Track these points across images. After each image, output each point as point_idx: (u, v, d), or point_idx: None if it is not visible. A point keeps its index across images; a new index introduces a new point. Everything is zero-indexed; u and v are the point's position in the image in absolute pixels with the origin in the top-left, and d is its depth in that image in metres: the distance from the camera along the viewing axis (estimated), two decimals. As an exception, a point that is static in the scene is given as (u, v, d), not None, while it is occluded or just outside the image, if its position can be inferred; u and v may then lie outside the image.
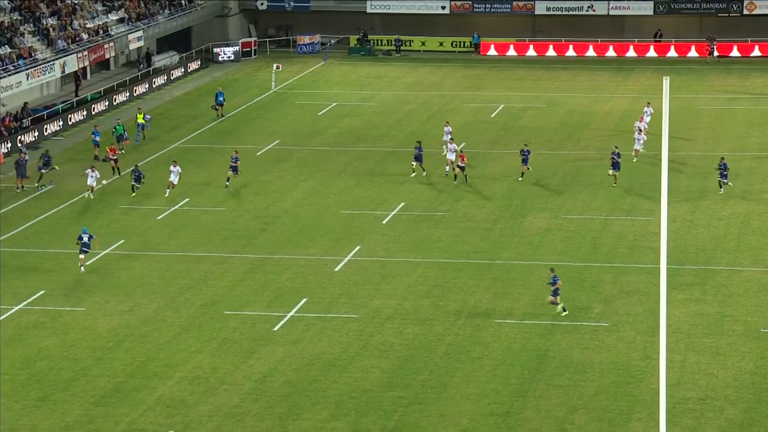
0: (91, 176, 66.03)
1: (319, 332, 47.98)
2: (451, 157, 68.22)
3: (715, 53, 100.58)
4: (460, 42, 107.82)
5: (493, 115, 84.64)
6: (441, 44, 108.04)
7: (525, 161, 67.92)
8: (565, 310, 49.08)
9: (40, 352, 47.62)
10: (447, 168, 68.75)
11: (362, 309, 51.08)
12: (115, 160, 70.45)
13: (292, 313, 50.78)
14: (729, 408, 41.99)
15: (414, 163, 69.00)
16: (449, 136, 71.44)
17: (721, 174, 63.74)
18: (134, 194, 65.11)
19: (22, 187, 68.26)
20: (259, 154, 76.22)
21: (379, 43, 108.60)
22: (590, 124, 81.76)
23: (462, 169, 67.12)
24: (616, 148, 67.05)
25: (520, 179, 67.33)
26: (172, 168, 66.29)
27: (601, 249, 57.47)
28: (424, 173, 68.63)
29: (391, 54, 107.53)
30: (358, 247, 58.40)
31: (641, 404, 42.22)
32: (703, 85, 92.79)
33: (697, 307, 50.40)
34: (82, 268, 55.52)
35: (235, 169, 67.93)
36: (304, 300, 51.87)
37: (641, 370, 44.88)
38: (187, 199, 66.26)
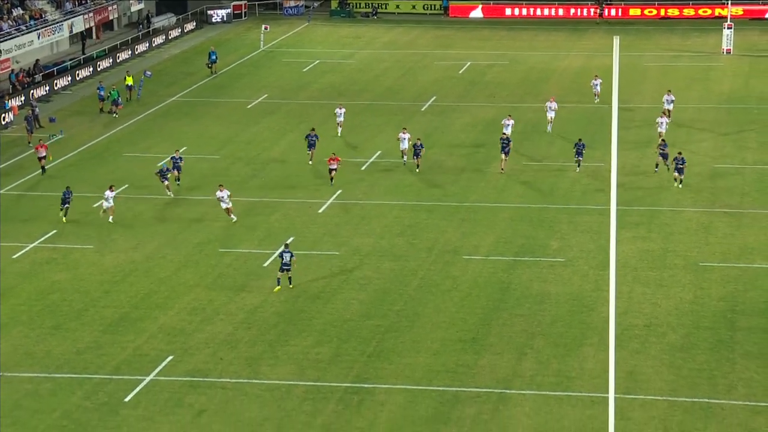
0: (108, 198, 54.29)
1: (304, 268, 48.07)
2: (404, 147, 61.12)
3: (600, 14, 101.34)
4: (431, 5, 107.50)
5: (461, 72, 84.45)
6: (414, 7, 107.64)
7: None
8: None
9: (53, 285, 47.63)
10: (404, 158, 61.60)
11: (343, 247, 51.17)
12: (43, 157, 61.31)
13: (279, 251, 50.81)
14: (670, 333, 42.35)
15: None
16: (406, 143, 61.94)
17: (676, 168, 57.13)
18: (63, 217, 54.40)
19: (30, 142, 67.79)
20: (249, 107, 75.95)
21: (358, 6, 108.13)
22: (549, 79, 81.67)
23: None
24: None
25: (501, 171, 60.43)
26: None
27: (557, 192, 57.63)
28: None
29: (369, 16, 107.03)
30: (339, 191, 58.41)
31: (593, 330, 42.53)
32: (650, 44, 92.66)
33: (643, 244, 50.68)
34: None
35: (179, 168, 58.95)
36: (291, 239, 51.94)
37: (593, 300, 45.18)
38: (184, 148, 66.02)
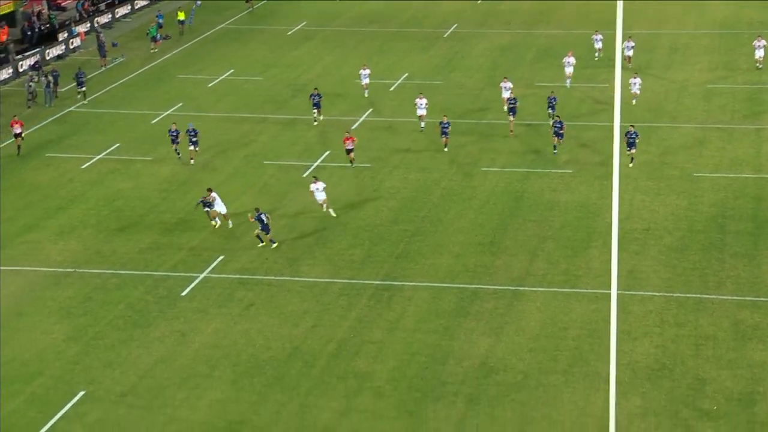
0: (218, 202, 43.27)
1: (339, 178, 47.85)
2: (422, 112, 53.89)
3: None
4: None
5: (479, 2, 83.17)
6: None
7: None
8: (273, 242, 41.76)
9: (118, 192, 47.64)
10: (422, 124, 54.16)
11: (374, 160, 50.87)
12: (19, 135, 52.15)
13: (317, 162, 50.61)
14: (667, 236, 42.05)
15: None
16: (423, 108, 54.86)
17: (628, 143, 48.17)
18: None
19: (104, 65, 67.48)
20: (289, 33, 75.19)
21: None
22: (561, 8, 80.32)
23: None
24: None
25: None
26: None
27: (566, 109, 56.94)
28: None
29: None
30: (370, 110, 57.92)
31: (598, 234, 42.27)
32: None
33: (643, 156, 50.13)
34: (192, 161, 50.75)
35: (195, 143, 50.28)
36: (327, 152, 51.66)
37: (598, 207, 44.84)
38: (231, 70, 65.56)
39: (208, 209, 42.81)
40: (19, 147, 52.03)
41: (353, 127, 55.17)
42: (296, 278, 39.01)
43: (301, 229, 43.32)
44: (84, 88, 59.76)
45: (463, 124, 55.32)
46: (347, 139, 49.00)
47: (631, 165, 48.38)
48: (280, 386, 31.74)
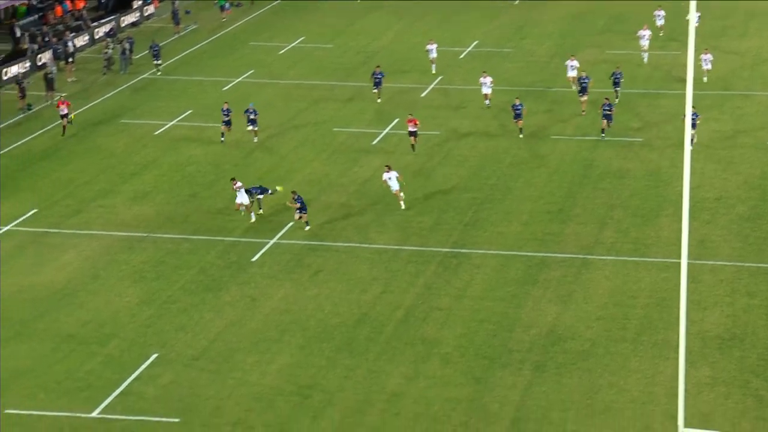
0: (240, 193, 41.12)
1: (408, 146, 47.69)
2: (487, 91, 52.59)
3: None
4: None
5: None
6: None
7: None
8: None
9: (190, 158, 47.99)
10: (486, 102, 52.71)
11: (443, 127, 50.65)
12: (65, 116, 50.30)
13: (387, 130, 50.52)
14: (739, 205, 41.34)
15: None
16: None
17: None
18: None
19: (178, 33, 67.89)
20: (359, 1, 74.93)
21: None
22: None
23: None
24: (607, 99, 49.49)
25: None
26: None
27: (639, 78, 56.17)
28: None
29: None
30: (440, 77, 57.63)
31: (669, 203, 41.69)
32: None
33: (715, 125, 49.29)
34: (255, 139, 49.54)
35: (227, 123, 48.94)
36: (396, 120, 51.52)
37: (669, 175, 44.20)
38: (302, 38, 65.60)
39: (260, 197, 40.96)
40: (64, 128, 49.97)
41: (422, 95, 54.94)
42: (365, 245, 39.03)
43: (370, 196, 43.30)
44: (159, 61, 59.79)
45: (534, 91, 54.82)
46: (410, 121, 46.83)
47: (692, 144, 47.02)
48: (349, 351, 31.86)
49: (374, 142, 49.05)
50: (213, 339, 32.73)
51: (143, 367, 31.00)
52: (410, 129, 46.86)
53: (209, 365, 31.17)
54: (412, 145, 46.85)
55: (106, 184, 45.33)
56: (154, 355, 31.66)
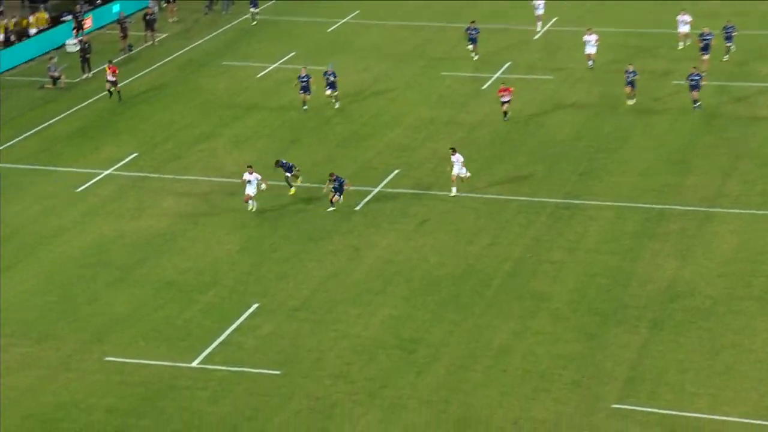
0: (248, 180, 37.73)
1: (519, 91, 47.06)
2: (591, 50, 49.26)
3: None
4: None
5: None
6: None
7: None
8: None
9: (291, 103, 48.06)
10: None
11: (557, 72, 49.86)
12: (113, 83, 48.33)
13: (497, 74, 49.94)
14: None
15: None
16: None
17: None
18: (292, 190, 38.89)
19: None
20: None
21: None
22: None
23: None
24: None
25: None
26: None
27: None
28: None
29: None
30: (555, 18, 56.67)
31: (798, 154, 40.52)
32: None
33: None
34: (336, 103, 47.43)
35: (305, 89, 46.37)
36: (508, 63, 50.87)
37: (799, 125, 42.94)
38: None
39: (288, 174, 38.63)
40: (110, 93, 47.92)
41: (535, 37, 54.10)
42: (472, 194, 38.72)
43: (478, 143, 42.91)
44: (257, 9, 59.08)
45: (651, 33, 53.55)
46: (503, 90, 44.21)
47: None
48: (454, 305, 31.72)
49: (484, 87, 48.54)
50: (315, 289, 32.89)
51: (244, 316, 31.30)
52: (503, 98, 44.23)
53: (310, 316, 31.33)
54: (505, 113, 44.34)
55: (207, 127, 45.73)
56: (255, 305, 31.94)
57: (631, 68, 45.58)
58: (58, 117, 46.97)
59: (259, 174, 37.22)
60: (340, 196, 37.45)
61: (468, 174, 38.38)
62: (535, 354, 29.12)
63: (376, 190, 39.47)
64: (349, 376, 28.18)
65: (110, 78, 48.09)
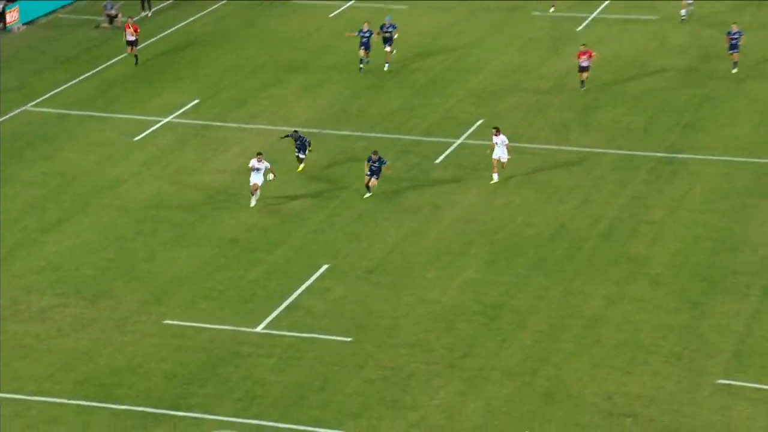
0: (257, 167, 35.11)
1: (619, 32, 46.45)
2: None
3: None
4: None
5: None
6: None
7: None
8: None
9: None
10: None
11: (660, 11, 49.07)
12: (132, 43, 46.37)
13: (594, 14, 49.26)
14: None
15: None
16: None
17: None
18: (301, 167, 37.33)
19: None
20: None
21: None
22: None
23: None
24: None
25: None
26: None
27: None
28: None
29: None
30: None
31: None
32: None
33: None
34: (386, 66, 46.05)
35: (365, 45, 44.81)
36: (605, 3, 50.13)
37: None
38: None
39: (299, 154, 36.92)
40: (135, 57, 46.28)
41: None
42: (564, 147, 38.37)
43: (570, 92, 42.45)
44: None
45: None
46: (582, 54, 42.16)
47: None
48: (543, 269, 31.49)
49: (579, 29, 47.93)
50: (389, 250, 32.81)
51: (312, 278, 31.34)
52: (582, 63, 42.09)
53: (384, 279, 31.29)
54: (582, 82, 42.39)
55: (275, 72, 45.74)
56: (324, 266, 31.96)
57: (735, 28, 43.12)
58: (115, 59, 47.30)
59: (269, 162, 34.68)
60: (377, 179, 35.00)
61: (507, 158, 35.86)
62: (631, 323, 28.82)
63: (458, 141, 39.23)
64: (427, 345, 28.11)
65: (130, 38, 46.16)
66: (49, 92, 43.97)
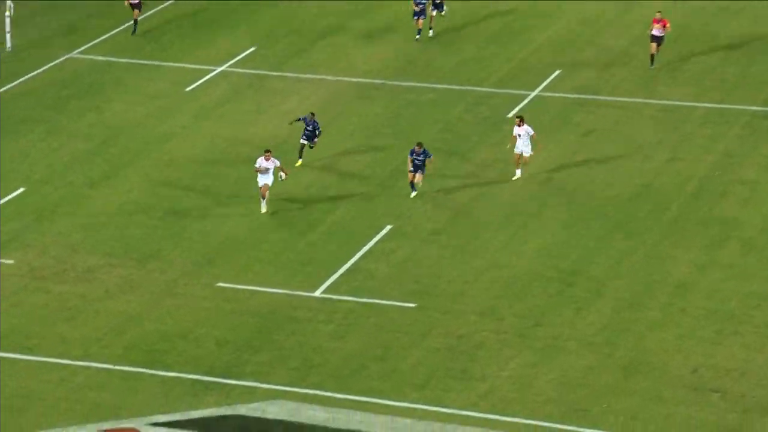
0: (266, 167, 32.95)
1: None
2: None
3: None
4: None
5: None
6: None
7: None
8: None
9: None
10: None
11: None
12: (136, 5, 44.18)
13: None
14: None
15: None
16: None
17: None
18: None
19: None
20: None
21: None
22: None
23: None
24: None
25: None
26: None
27: None
28: None
29: None
30: None
31: None
32: None
33: None
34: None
35: (440, 6, 43.60)
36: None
37: None
38: None
39: (305, 141, 35.31)
40: (135, 22, 44.56)
41: None
42: (650, 100, 38.22)
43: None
44: None
45: None
46: (657, 21, 40.30)
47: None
48: (625, 232, 31.45)
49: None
50: (457, 210, 32.88)
51: (374, 240, 31.50)
52: (654, 32, 40.25)
53: (452, 241, 31.37)
54: (652, 57, 40.32)
55: (335, 18, 45.81)
56: (388, 227, 32.10)
57: None
58: (166, 4, 47.56)
59: (278, 160, 32.97)
60: (422, 174, 33.27)
61: (531, 153, 34.03)
62: (721, 291, 28.76)
63: (533, 94, 39.16)
64: (497, 313, 28.20)
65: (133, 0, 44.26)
66: (98, 38, 44.35)
